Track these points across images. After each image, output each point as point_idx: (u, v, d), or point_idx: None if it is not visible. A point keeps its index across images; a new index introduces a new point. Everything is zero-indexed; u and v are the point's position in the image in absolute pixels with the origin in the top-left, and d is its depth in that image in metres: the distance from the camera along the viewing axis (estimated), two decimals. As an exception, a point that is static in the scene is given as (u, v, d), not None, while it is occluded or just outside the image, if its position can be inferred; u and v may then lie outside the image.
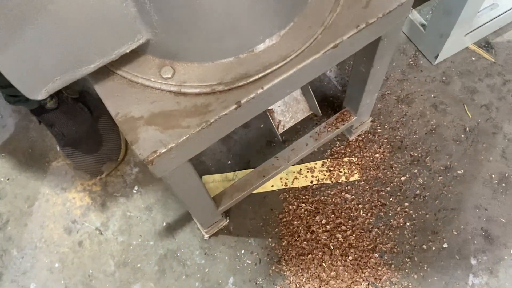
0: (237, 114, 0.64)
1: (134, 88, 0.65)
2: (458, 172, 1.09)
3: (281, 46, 0.65)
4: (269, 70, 0.63)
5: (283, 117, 0.82)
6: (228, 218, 1.07)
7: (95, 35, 0.54)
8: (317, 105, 0.81)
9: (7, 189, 1.16)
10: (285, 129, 0.82)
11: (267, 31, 0.64)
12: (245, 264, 1.03)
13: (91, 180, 1.15)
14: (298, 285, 1.00)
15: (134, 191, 1.14)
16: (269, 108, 0.87)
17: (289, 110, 0.81)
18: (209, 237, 1.06)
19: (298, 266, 1.01)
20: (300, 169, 1.11)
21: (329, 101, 1.18)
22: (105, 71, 0.65)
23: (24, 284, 1.05)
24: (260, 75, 0.63)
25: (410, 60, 1.24)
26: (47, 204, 1.13)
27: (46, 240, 1.09)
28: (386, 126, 1.15)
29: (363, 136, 1.14)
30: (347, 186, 1.09)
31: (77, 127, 1.12)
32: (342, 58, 0.71)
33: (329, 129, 1.03)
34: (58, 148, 1.18)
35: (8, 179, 1.17)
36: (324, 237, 1.03)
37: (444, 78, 1.21)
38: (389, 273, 1.00)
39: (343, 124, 1.03)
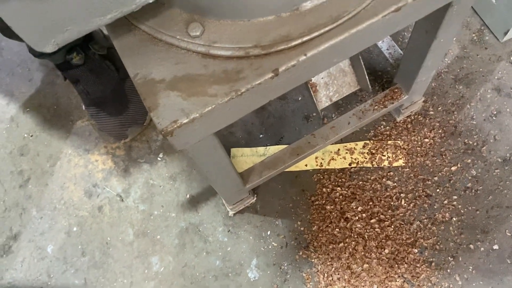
0: (273, 84, 0.54)
1: (157, 46, 0.56)
2: (518, 166, 0.97)
3: (331, 5, 0.54)
4: (315, 34, 0.53)
5: (326, 91, 0.71)
6: (255, 195, 0.99)
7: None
8: (368, 79, 0.70)
9: (30, 145, 1.12)
10: (327, 104, 0.72)
11: (317, -14, 0.53)
12: (270, 247, 0.96)
13: (115, 143, 1.09)
14: (326, 274, 0.91)
15: (159, 159, 1.07)
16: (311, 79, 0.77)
17: (333, 83, 0.71)
18: (234, 214, 0.99)
19: (328, 254, 0.93)
20: (338, 149, 1.01)
21: (377, 75, 1.06)
22: (125, 24, 0.57)
23: (41, 245, 1.02)
24: (304, 38, 0.53)
25: (473, 35, 1.09)
26: (69, 165, 1.09)
27: (66, 202, 1.05)
28: (440, 108, 1.03)
29: (413, 118, 1.02)
30: (389, 172, 0.99)
31: (103, 86, 1.05)
32: (403, 26, 0.59)
33: (376, 107, 0.92)
34: (83, 107, 1.12)
35: (31, 136, 1.13)
36: (359, 225, 0.94)
37: None
38: (428, 272, 0.90)
39: (392, 103, 0.91)
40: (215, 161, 0.70)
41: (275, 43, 0.53)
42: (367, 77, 0.70)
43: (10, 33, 0.96)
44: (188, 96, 0.53)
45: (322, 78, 0.70)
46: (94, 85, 1.04)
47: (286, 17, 0.54)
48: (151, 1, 0.50)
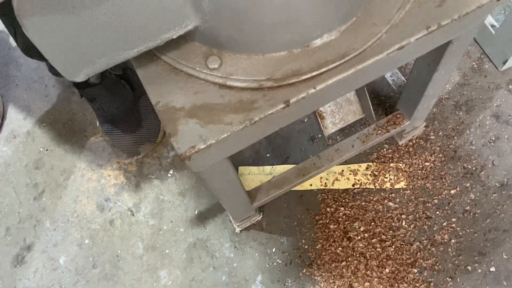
0: (284, 113, 0.59)
1: (178, 76, 0.60)
2: (515, 191, 1.00)
3: (340, 43, 0.59)
4: (324, 69, 0.57)
5: (332, 118, 0.76)
6: (262, 213, 1.03)
7: (141, 18, 0.50)
8: (372, 109, 0.74)
9: (45, 159, 1.16)
10: (333, 131, 0.77)
11: (326, 26, 0.58)
12: (275, 264, 0.99)
13: (127, 159, 1.13)
14: (328, 292, 0.95)
15: (169, 175, 1.11)
16: (317, 105, 0.81)
17: (339, 111, 0.75)
18: (241, 231, 1.02)
19: (331, 272, 0.96)
20: (342, 170, 1.05)
21: (381, 100, 1.11)
22: (149, 55, 0.62)
23: (54, 256, 1.06)
24: (314, 73, 0.57)
25: (474, 63, 1.14)
26: (82, 179, 1.13)
27: (79, 215, 1.09)
28: (440, 133, 1.07)
29: (414, 142, 1.06)
30: (391, 193, 1.02)
31: (118, 104, 1.10)
32: (406, 61, 0.64)
33: (379, 131, 0.96)
34: (97, 123, 1.16)
35: (46, 150, 1.17)
36: (361, 245, 0.98)
37: (510, 86, 1.10)
38: (427, 291, 0.94)
39: (395, 128, 0.96)
40: (226, 182, 0.75)
41: (287, 76, 0.58)
42: (371, 106, 0.75)
43: (31, 54, 1.01)
44: (206, 123, 0.57)
45: (329, 106, 0.75)
46: (109, 103, 1.09)
47: (298, 53, 0.59)
48: (174, 37, 0.55)
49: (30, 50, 1.03)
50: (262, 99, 0.58)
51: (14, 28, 0.92)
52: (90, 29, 0.48)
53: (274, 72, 0.58)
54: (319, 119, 0.75)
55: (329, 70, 0.58)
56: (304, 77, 0.57)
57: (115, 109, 1.10)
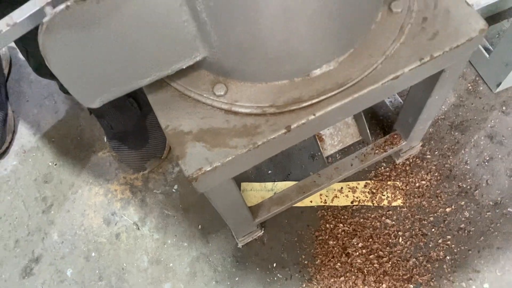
0: (285, 138, 0.62)
1: (186, 101, 0.64)
2: (508, 209, 1.04)
3: (338, 73, 0.63)
4: (323, 97, 0.62)
5: (332, 140, 0.80)
6: (263, 229, 1.06)
7: (155, 51, 0.54)
8: (368, 132, 0.78)
9: (53, 173, 1.20)
10: (332, 152, 0.80)
11: (325, 57, 0.62)
12: (275, 278, 1.03)
13: (133, 174, 1.17)
14: (327, 306, 0.98)
15: (174, 190, 1.15)
16: (317, 126, 0.85)
17: (338, 134, 0.79)
18: (243, 246, 1.06)
19: (330, 287, 0.99)
20: (342, 188, 1.09)
21: (379, 120, 1.14)
22: (159, 81, 0.66)
23: (61, 268, 1.09)
24: (314, 101, 0.62)
25: (469, 85, 1.18)
26: (90, 193, 1.17)
27: (86, 228, 1.12)
28: (436, 152, 1.11)
29: (411, 161, 1.10)
30: (388, 210, 1.06)
31: (126, 122, 1.14)
32: (401, 89, 0.68)
33: (377, 151, 1.00)
34: (105, 139, 1.20)
35: (55, 164, 1.21)
36: (359, 261, 1.01)
37: (504, 108, 1.14)
38: (423, 307, 0.97)
39: (392, 148, 0.99)
40: (230, 200, 0.78)
41: (288, 103, 0.62)
42: (368, 130, 0.79)
43: (43, 73, 1.06)
44: (212, 146, 0.61)
45: (328, 129, 0.79)
46: (117, 120, 1.13)
47: (298, 81, 0.63)
48: (184, 67, 0.59)
49: (42, 70, 1.08)
50: (265, 124, 0.62)
51: (26, 49, 0.97)
52: (107, 63, 0.52)
53: (276, 99, 0.62)
54: (318, 142, 0.79)
55: (327, 98, 0.62)
56: (304, 104, 0.61)
57: (123, 126, 1.14)
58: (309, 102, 0.61)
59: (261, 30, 0.53)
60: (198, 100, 0.64)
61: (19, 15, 0.51)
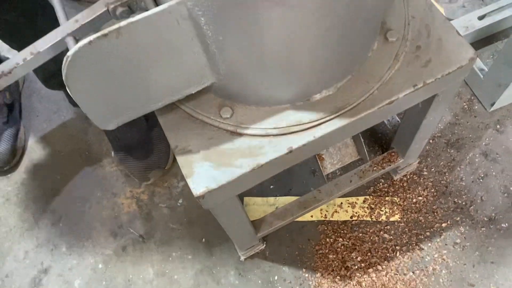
0: (287, 158, 0.67)
1: (194, 123, 0.69)
2: (502, 225, 1.07)
3: (336, 98, 0.67)
4: (322, 120, 0.66)
5: (331, 159, 0.84)
6: (265, 243, 1.10)
7: (168, 79, 0.58)
8: (366, 152, 0.82)
9: (62, 187, 1.24)
10: (331, 171, 0.85)
11: (325, 83, 0.66)
12: (277, 290, 1.06)
13: (140, 188, 1.21)
14: (326, 318, 1.01)
15: (178, 204, 1.19)
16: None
17: (337, 153, 0.83)
18: (245, 259, 1.09)
19: (329, 299, 1.03)
20: (341, 203, 1.12)
21: (377, 137, 1.19)
22: (169, 104, 0.70)
23: (69, 279, 1.12)
24: (314, 123, 0.66)
25: (464, 104, 1.22)
26: (98, 206, 1.20)
27: (93, 241, 1.16)
28: (433, 169, 1.15)
29: (408, 177, 1.14)
30: (386, 225, 1.09)
31: (133, 134, 1.18)
32: (396, 113, 0.72)
33: (375, 168, 1.03)
34: (112, 153, 1.25)
35: (64, 178, 1.25)
36: (358, 274, 1.04)
37: (498, 126, 1.18)
38: (419, 320, 1.00)
39: (389, 165, 1.03)
40: (234, 216, 0.82)
41: (290, 126, 0.66)
42: (365, 150, 0.83)
43: (51, 85, 1.10)
44: (218, 166, 0.65)
45: (327, 149, 0.83)
46: (124, 132, 1.17)
47: (300, 105, 0.67)
48: (193, 92, 0.64)
49: (50, 81, 1.13)
50: (269, 145, 0.66)
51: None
52: (124, 90, 0.57)
53: (279, 122, 0.66)
54: (319, 161, 0.83)
55: (327, 121, 0.66)
56: (305, 126, 0.66)
57: (130, 138, 1.18)
58: (310, 125, 0.66)
59: (265, 61, 0.57)
60: (205, 122, 0.68)
61: (42, 44, 0.56)
